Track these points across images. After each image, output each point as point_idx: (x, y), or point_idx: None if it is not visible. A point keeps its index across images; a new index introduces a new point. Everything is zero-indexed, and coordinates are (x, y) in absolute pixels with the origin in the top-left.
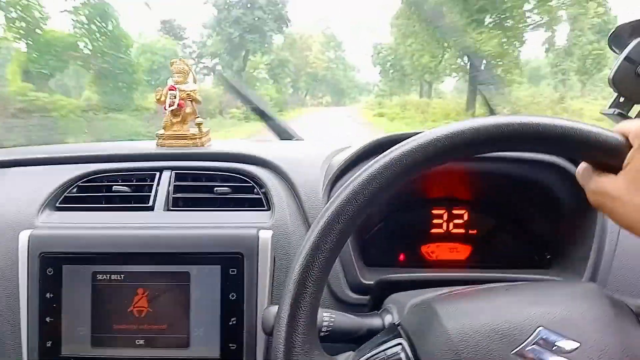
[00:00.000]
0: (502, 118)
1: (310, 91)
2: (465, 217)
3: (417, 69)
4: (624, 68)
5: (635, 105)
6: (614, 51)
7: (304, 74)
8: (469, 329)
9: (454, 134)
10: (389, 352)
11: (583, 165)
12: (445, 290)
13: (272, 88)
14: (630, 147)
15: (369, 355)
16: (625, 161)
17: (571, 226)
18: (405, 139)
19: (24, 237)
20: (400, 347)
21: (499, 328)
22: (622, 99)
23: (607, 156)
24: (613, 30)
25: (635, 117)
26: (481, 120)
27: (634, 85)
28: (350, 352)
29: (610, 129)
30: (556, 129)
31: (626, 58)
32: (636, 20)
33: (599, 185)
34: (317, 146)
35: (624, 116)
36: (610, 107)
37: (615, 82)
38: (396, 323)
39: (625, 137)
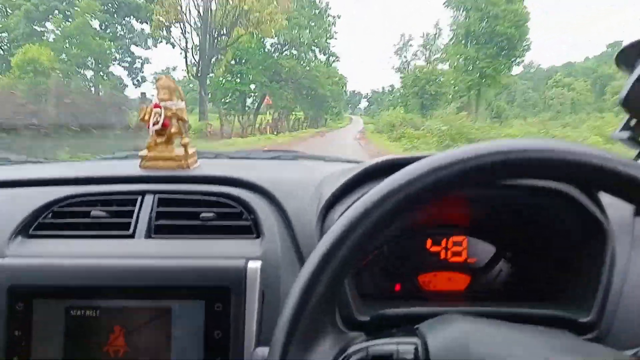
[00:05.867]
0: (573, 147)
1: (280, 102)
2: (464, 244)
3: None
4: (636, 89)
5: None
6: (622, 69)
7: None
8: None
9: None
10: (401, 348)
11: None
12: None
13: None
14: None
15: (381, 343)
16: None
17: (577, 258)
18: (407, 164)
19: None
20: (413, 347)
21: None
22: (633, 122)
23: None
24: (621, 49)
25: None
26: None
27: None
28: (363, 334)
29: None
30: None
31: (638, 79)
32: None
33: None
34: (311, 166)
35: (635, 139)
36: (621, 130)
37: (628, 104)
38: (415, 327)
39: None
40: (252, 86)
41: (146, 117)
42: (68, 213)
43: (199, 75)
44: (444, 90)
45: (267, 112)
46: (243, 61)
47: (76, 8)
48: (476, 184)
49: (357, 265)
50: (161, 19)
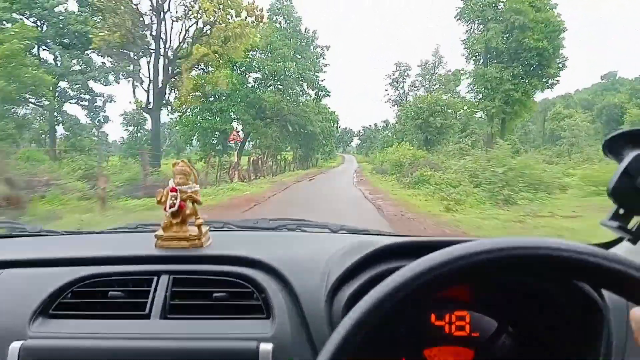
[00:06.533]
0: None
1: (264, 141)
2: (467, 319)
3: None
4: (623, 181)
5: (635, 217)
6: (609, 158)
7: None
8: None
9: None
10: None
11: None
12: None
13: None
14: None
15: None
16: None
17: (576, 331)
18: (413, 248)
19: (14, 349)
20: None
21: None
22: (621, 211)
23: None
24: (609, 137)
25: (634, 230)
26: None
27: (634, 198)
28: None
29: None
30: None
31: (624, 171)
32: (633, 130)
33: None
34: (317, 239)
35: (623, 229)
36: (610, 219)
37: (615, 195)
38: None
39: None
40: (235, 124)
41: (163, 200)
42: (87, 293)
43: (150, 107)
44: (451, 123)
45: (235, 152)
46: (223, 97)
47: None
48: (493, 275)
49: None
50: (105, 37)
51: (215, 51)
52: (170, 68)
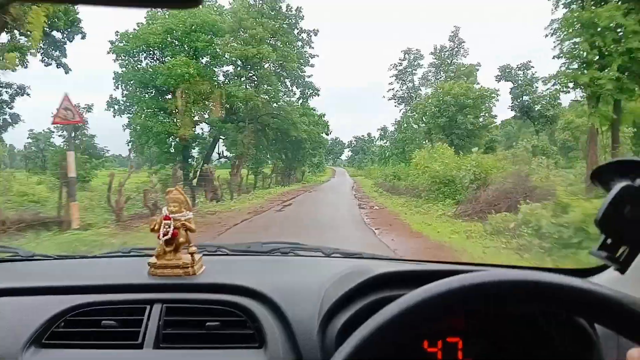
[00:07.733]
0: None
1: (235, 149)
2: (459, 345)
3: None
4: (611, 211)
5: (622, 246)
6: (597, 187)
7: None
8: None
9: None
10: None
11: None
12: None
13: None
14: None
15: None
16: None
17: (567, 358)
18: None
19: None
20: None
21: None
22: (609, 241)
23: None
24: (596, 167)
25: (622, 259)
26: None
27: (621, 229)
28: None
29: None
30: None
31: (612, 202)
32: (619, 161)
33: None
34: (311, 264)
35: (612, 259)
36: (598, 249)
37: (602, 225)
38: None
39: None
40: (198, 128)
41: (156, 228)
42: (80, 322)
43: None
44: (486, 122)
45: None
46: (183, 95)
47: None
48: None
49: None
50: None
51: None
52: None
